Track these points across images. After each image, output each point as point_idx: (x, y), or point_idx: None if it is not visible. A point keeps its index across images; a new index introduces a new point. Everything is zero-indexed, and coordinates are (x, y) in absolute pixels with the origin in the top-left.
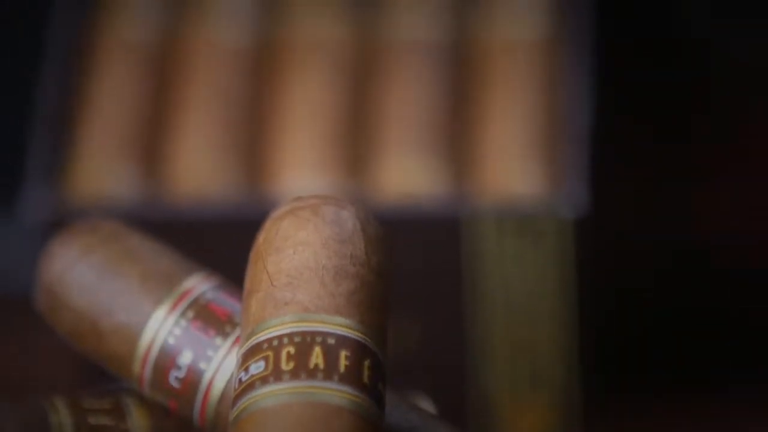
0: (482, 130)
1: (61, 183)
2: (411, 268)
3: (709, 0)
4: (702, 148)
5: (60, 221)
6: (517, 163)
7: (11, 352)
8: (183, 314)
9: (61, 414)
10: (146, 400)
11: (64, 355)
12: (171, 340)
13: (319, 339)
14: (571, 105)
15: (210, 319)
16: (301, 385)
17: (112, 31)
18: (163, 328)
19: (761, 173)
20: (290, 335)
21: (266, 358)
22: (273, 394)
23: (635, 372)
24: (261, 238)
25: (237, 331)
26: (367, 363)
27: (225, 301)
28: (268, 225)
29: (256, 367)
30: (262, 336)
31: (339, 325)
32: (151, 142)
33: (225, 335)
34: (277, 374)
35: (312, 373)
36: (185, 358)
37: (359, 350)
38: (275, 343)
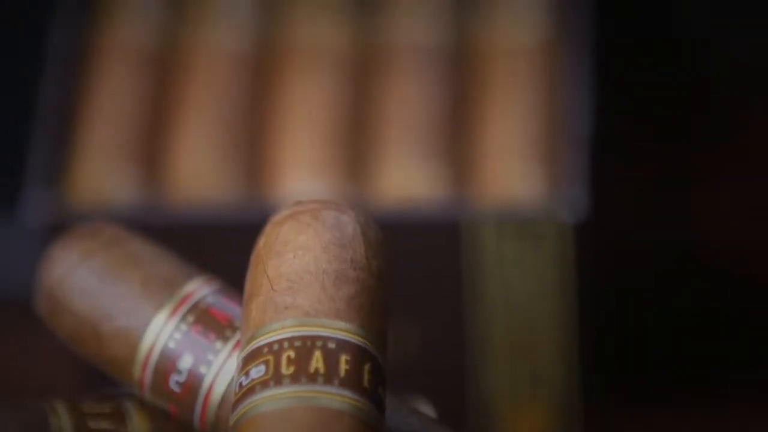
0: (482, 133)
1: (62, 186)
2: (411, 271)
3: (710, 1)
4: (702, 150)
5: (61, 225)
6: (517, 166)
7: (12, 355)
8: (183, 318)
9: (62, 418)
10: (146, 404)
11: (64, 358)
12: (171, 345)
13: (319, 343)
14: (571, 108)
15: (210, 323)
16: (302, 389)
17: (113, 35)
18: (164, 332)
19: (761, 175)
20: (290, 339)
21: (267, 363)
22: (273, 399)
23: (635, 374)
24: (261, 242)
25: (237, 336)
26: (367, 367)
27: (225, 305)
28: (268, 229)
29: (257, 372)
30: (263, 340)
31: (339, 330)
32: (152, 145)
33: (225, 339)
34: (277, 378)
35: (312, 378)
36: (186, 362)
37: (359, 354)
38: (276, 347)
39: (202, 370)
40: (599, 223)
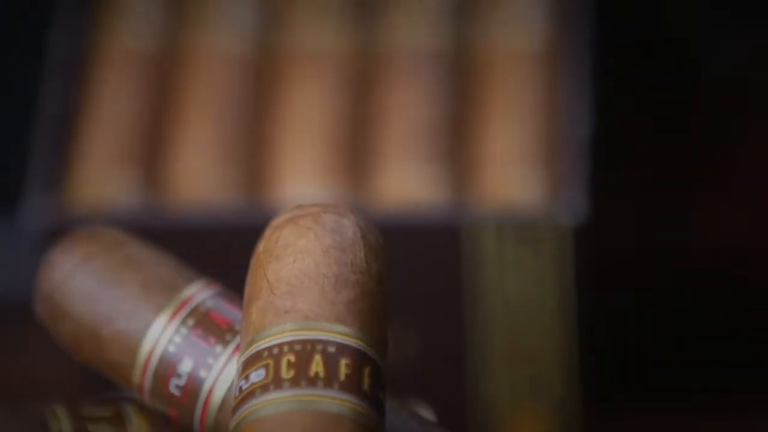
0: (482, 137)
1: (62, 190)
2: (411, 275)
3: (710, 2)
4: (702, 154)
5: (61, 228)
6: (517, 170)
7: (12, 358)
8: (183, 322)
9: (62, 421)
10: (146, 408)
11: (64, 362)
12: (171, 348)
13: (319, 347)
14: (571, 113)
15: (210, 327)
16: (302, 393)
17: (113, 40)
18: (164, 336)
19: (762, 179)
20: (290, 343)
21: (266, 366)
22: (273, 403)
23: (635, 378)
24: (261, 246)
25: (237, 339)
26: (367, 371)
27: (225, 309)
28: (268, 233)
29: (257, 375)
30: (263, 344)
31: (339, 333)
32: (152, 149)
33: (225, 343)
34: (277, 382)
35: (312, 381)
36: (185, 366)
37: (359, 358)
38: (275, 351)
39: (202, 374)
40: (599, 227)
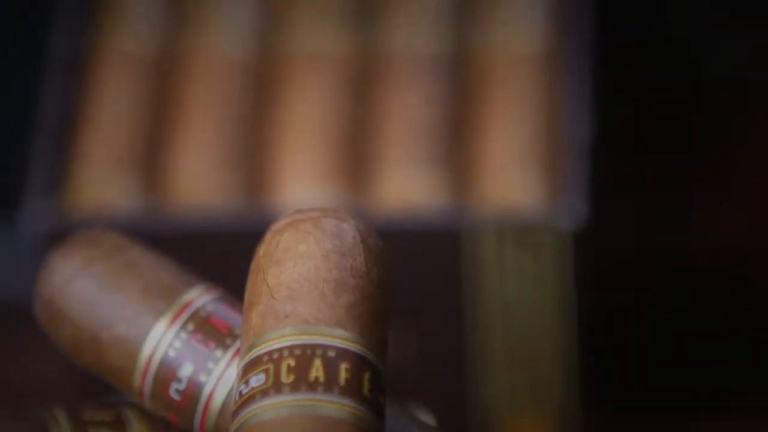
0: (482, 142)
1: (62, 194)
2: (411, 279)
3: (709, 6)
4: (702, 158)
5: (60, 232)
6: (517, 175)
7: (12, 362)
8: (183, 327)
9: (62, 425)
10: (147, 413)
11: (64, 366)
12: (171, 353)
13: (319, 351)
14: (571, 117)
15: (210, 331)
16: (302, 397)
17: (113, 44)
18: (164, 340)
19: (762, 182)
20: (290, 348)
21: (267, 371)
22: (273, 407)
23: (634, 383)
24: (261, 250)
25: (237, 344)
26: (367, 375)
27: (225, 313)
28: (268, 237)
29: (257, 380)
30: (263, 348)
31: (339, 338)
32: (152, 153)
33: (225, 348)
34: (277, 387)
35: (312, 386)
36: (186, 370)
37: (359, 363)
38: (275, 355)
39: (202, 378)
40: (599, 231)
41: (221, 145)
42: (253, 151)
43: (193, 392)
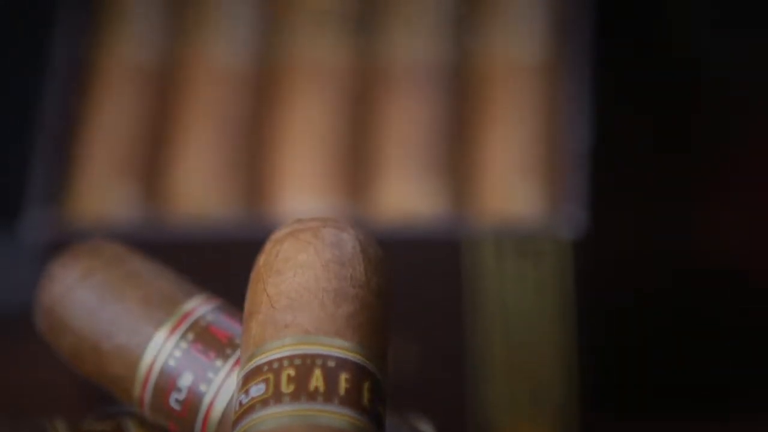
0: (481, 151)
1: (62, 204)
2: (411, 288)
3: (709, 13)
4: (702, 167)
5: (61, 242)
6: (517, 184)
7: (12, 371)
8: (183, 336)
9: None
10: (147, 422)
11: (64, 376)
12: (171, 363)
13: (319, 361)
14: (571, 126)
15: (210, 341)
16: (302, 407)
17: (114, 53)
18: (164, 350)
19: (762, 186)
20: (290, 358)
21: (267, 381)
22: (273, 417)
23: (634, 392)
24: (261, 260)
25: (237, 353)
26: (367, 385)
27: (225, 323)
28: (268, 247)
29: (257, 390)
30: (263, 358)
31: (339, 348)
32: (152, 163)
33: (225, 357)
34: (277, 397)
35: (312, 396)
36: (186, 380)
37: (359, 373)
38: (275, 365)
39: (202, 388)
40: (598, 239)
41: (221, 155)
42: (253, 160)
43: (193, 402)
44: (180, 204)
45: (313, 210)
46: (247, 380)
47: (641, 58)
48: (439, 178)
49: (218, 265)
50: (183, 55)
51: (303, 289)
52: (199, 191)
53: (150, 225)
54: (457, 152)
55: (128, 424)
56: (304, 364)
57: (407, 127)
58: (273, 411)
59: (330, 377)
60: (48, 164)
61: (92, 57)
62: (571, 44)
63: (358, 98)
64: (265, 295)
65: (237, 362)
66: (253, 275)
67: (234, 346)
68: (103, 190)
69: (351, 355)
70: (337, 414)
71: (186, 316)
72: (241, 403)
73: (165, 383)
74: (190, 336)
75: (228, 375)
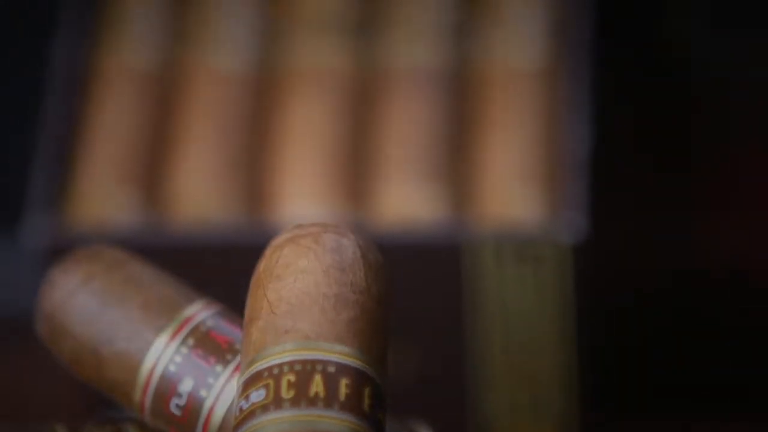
0: (482, 155)
1: (63, 209)
2: (411, 293)
3: (709, 19)
4: (702, 174)
5: (61, 247)
6: (517, 189)
7: (12, 377)
8: (184, 342)
9: None
10: (147, 428)
11: (65, 381)
12: (172, 368)
13: (319, 367)
14: (571, 131)
15: (211, 346)
16: (302, 413)
17: (114, 58)
18: (164, 355)
19: (763, 186)
20: (291, 363)
21: (267, 386)
22: (274, 422)
23: (635, 397)
24: (262, 265)
25: (238, 359)
26: (367, 391)
27: (226, 328)
28: (268, 252)
29: (257, 395)
30: (263, 364)
31: (339, 353)
32: (153, 167)
33: (226, 363)
34: (277, 402)
35: (312, 402)
36: (186, 385)
37: (359, 378)
38: (276, 371)
39: (203, 393)
40: (598, 244)
41: (221, 161)
42: (253, 165)
43: (193, 407)
44: (180, 209)
45: (313, 215)
46: (247, 386)
47: (641, 58)
48: (439, 183)
49: (218, 270)
50: (184, 59)
51: (303, 294)
52: (200, 196)
53: (150, 230)
54: (457, 157)
55: (129, 429)
56: (305, 370)
57: (407, 131)
58: (273, 416)
59: (330, 383)
60: (49, 170)
61: (93, 61)
62: (571, 48)
63: (359, 103)
64: (266, 300)
65: (237, 368)
66: (253, 281)
67: (234, 352)
68: (103, 195)
69: (351, 361)
70: (337, 419)
71: (186, 321)
72: (241, 409)
73: (165, 388)
74: (191, 341)
75: (228, 380)
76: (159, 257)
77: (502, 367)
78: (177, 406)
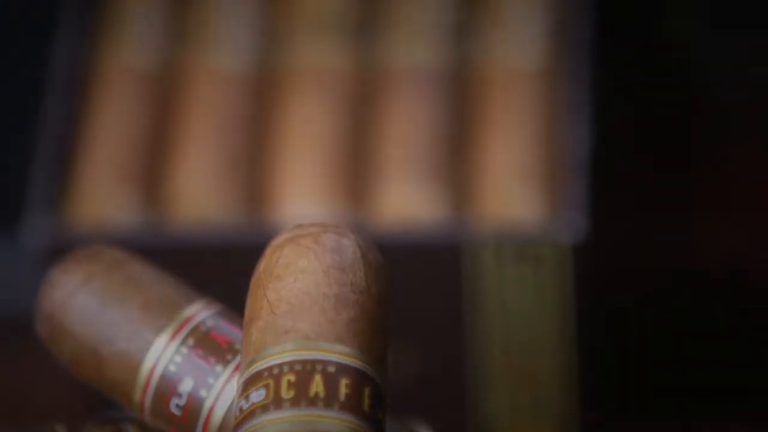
0: (482, 155)
1: (63, 209)
2: (411, 293)
3: (710, 21)
4: (702, 174)
5: (61, 247)
6: (517, 189)
7: (12, 377)
8: (184, 342)
9: None
10: (147, 428)
11: (65, 381)
12: (172, 368)
13: (319, 367)
14: (571, 131)
15: (211, 346)
16: (302, 413)
17: (114, 59)
18: (164, 355)
19: (762, 186)
20: (291, 363)
21: (267, 386)
22: (274, 423)
23: (635, 397)
24: (262, 265)
25: (237, 359)
26: (367, 391)
27: (226, 328)
28: (268, 252)
29: (257, 395)
30: (263, 364)
31: (339, 353)
32: (153, 167)
33: (225, 363)
34: (277, 402)
35: (312, 402)
36: (186, 385)
37: (359, 378)
38: (276, 371)
39: (203, 393)
40: (598, 245)
41: (221, 161)
42: (253, 166)
43: (193, 407)
44: (180, 209)
45: (313, 215)
46: (247, 386)
47: (641, 58)
48: (439, 183)
49: (218, 270)
50: (184, 60)
51: (303, 294)
52: (200, 196)
53: (150, 230)
54: (457, 157)
55: (129, 429)
56: (305, 370)
57: (407, 132)
58: (273, 417)
59: (330, 383)
60: (49, 170)
61: (93, 61)
62: (571, 48)
63: (359, 103)
64: (266, 300)
65: (237, 368)
66: (253, 281)
67: (234, 352)
68: (103, 195)
69: (351, 361)
70: (337, 420)
71: (186, 321)
72: (241, 409)
73: (165, 388)
74: (191, 341)
75: (228, 380)
76: (159, 257)
77: (502, 367)
78: (177, 406)
